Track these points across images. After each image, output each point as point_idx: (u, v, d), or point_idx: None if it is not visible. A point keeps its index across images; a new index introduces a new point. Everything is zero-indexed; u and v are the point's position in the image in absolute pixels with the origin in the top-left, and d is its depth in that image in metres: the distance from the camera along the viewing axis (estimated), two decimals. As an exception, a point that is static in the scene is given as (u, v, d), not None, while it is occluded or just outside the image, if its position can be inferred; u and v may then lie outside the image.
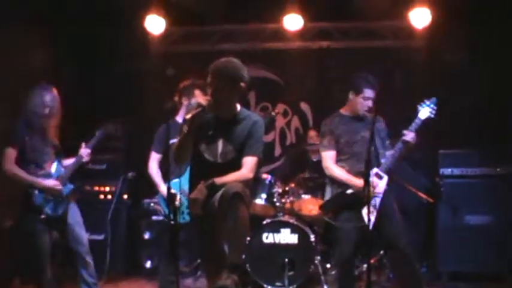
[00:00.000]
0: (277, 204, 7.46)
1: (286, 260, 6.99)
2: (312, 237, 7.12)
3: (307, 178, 7.60)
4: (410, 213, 7.89)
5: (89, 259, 6.07)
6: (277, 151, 9.94)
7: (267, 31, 9.57)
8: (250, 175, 4.95)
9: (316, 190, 7.53)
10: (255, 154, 4.97)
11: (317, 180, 7.57)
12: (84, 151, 6.16)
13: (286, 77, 9.91)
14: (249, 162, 4.95)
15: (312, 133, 8.49)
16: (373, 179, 5.74)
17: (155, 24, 9.00)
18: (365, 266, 6.98)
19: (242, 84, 4.97)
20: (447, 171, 7.81)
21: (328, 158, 6.04)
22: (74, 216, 6.05)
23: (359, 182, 5.69)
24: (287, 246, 7.09)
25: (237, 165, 4.95)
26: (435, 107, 5.86)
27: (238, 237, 4.71)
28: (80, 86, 8.46)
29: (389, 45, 9.34)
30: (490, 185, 7.70)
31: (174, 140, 5.58)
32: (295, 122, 9.94)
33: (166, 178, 6.49)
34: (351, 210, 5.80)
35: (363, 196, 5.43)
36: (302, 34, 9.35)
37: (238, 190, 4.64)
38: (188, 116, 4.84)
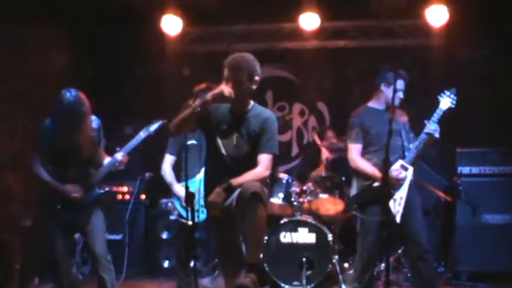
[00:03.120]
0: (295, 203, 7.46)
1: (304, 259, 6.99)
2: (330, 237, 7.11)
3: (324, 177, 7.59)
4: (428, 212, 7.88)
5: (104, 272, 5.67)
6: (295, 151, 9.95)
7: (283, 30, 9.55)
8: (267, 173, 4.96)
9: (333, 189, 7.52)
10: (269, 151, 4.98)
11: (334, 180, 7.57)
12: (118, 156, 5.94)
13: (302, 76, 9.93)
14: (265, 160, 4.95)
15: (330, 134, 8.47)
16: (399, 171, 5.82)
17: (172, 24, 9.01)
18: (383, 265, 6.96)
19: (257, 77, 5.00)
20: (465, 169, 7.76)
21: (355, 150, 6.09)
22: (94, 222, 5.74)
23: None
24: (305, 246, 7.09)
25: (250, 160, 4.97)
26: (455, 97, 5.92)
27: (256, 237, 4.72)
28: (97, 87, 8.50)
29: (406, 44, 9.29)
30: (508, 183, 7.65)
31: (190, 142, 5.60)
32: (312, 121, 9.94)
33: (181, 178, 6.60)
34: (378, 203, 5.78)
35: (390, 189, 5.63)
36: (319, 33, 9.33)
37: (257, 190, 4.65)
38: (208, 96, 4.86)
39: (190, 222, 5.20)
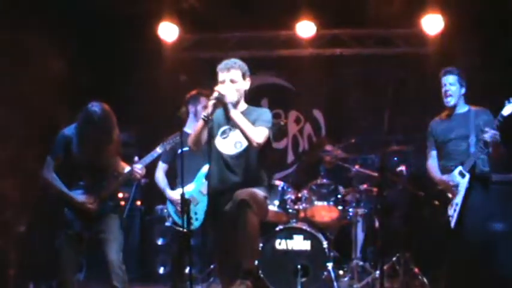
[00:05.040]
0: (290, 210, 7.47)
1: (299, 266, 6.99)
2: (325, 244, 7.12)
3: (320, 185, 7.60)
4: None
5: (116, 280, 5.55)
6: (290, 158, 9.96)
7: (279, 38, 9.59)
8: (260, 140, 4.99)
9: (329, 197, 7.53)
10: (263, 126, 5.05)
11: (330, 187, 7.58)
12: (137, 167, 5.77)
13: (298, 84, 9.94)
14: (258, 129, 5.03)
15: (325, 142, 8.50)
16: (456, 178, 5.90)
17: (168, 31, 9.04)
18: (377, 272, 6.98)
19: (248, 78, 5.22)
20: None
21: (429, 157, 6.28)
22: (109, 232, 5.60)
23: (440, 177, 6.03)
24: (300, 253, 7.10)
25: (250, 157, 5.09)
26: None
27: (248, 243, 4.81)
28: (93, 93, 8.50)
29: (402, 52, 9.34)
30: (504, 191, 7.64)
31: (185, 149, 5.63)
32: (308, 128, 9.96)
33: (175, 186, 6.62)
34: (438, 204, 6.07)
35: (448, 194, 5.89)
36: (315, 41, 9.37)
37: (245, 197, 4.77)
38: (211, 101, 4.97)
39: (185, 230, 5.22)
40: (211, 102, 4.97)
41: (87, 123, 5.45)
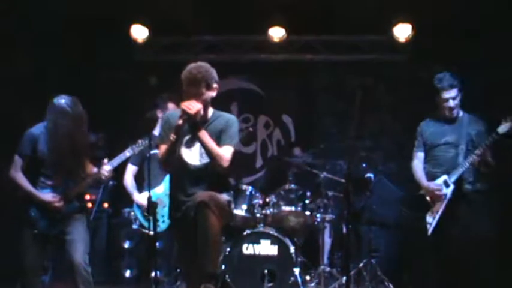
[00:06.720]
0: (258, 215, 7.46)
1: (266, 271, 6.97)
2: (292, 249, 7.11)
3: (288, 190, 7.61)
4: (389, 226, 7.94)
5: (82, 282, 5.54)
6: (259, 163, 9.95)
7: (251, 43, 9.58)
8: (226, 163, 5.00)
9: (297, 202, 7.54)
10: (230, 144, 5.06)
11: (298, 192, 7.59)
12: (105, 169, 5.81)
13: (268, 89, 9.94)
14: (225, 150, 5.02)
15: (297, 150, 8.55)
16: (440, 186, 5.92)
17: (139, 33, 8.98)
18: (344, 278, 7.00)
19: (215, 85, 5.10)
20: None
21: (414, 157, 6.29)
22: (75, 233, 5.57)
23: (426, 184, 6.00)
24: (267, 258, 7.08)
25: (215, 168, 5.04)
26: None
27: (209, 246, 4.80)
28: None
29: (372, 59, 9.38)
30: (486, 201, 7.68)
31: (153, 151, 5.61)
32: (277, 134, 9.96)
33: (143, 188, 6.62)
34: (418, 210, 6.04)
35: (428, 200, 5.91)
36: (286, 47, 9.37)
37: (204, 199, 4.76)
38: (179, 121, 4.90)
39: (151, 232, 5.20)
40: (179, 122, 4.90)
41: (61, 115, 5.45)
